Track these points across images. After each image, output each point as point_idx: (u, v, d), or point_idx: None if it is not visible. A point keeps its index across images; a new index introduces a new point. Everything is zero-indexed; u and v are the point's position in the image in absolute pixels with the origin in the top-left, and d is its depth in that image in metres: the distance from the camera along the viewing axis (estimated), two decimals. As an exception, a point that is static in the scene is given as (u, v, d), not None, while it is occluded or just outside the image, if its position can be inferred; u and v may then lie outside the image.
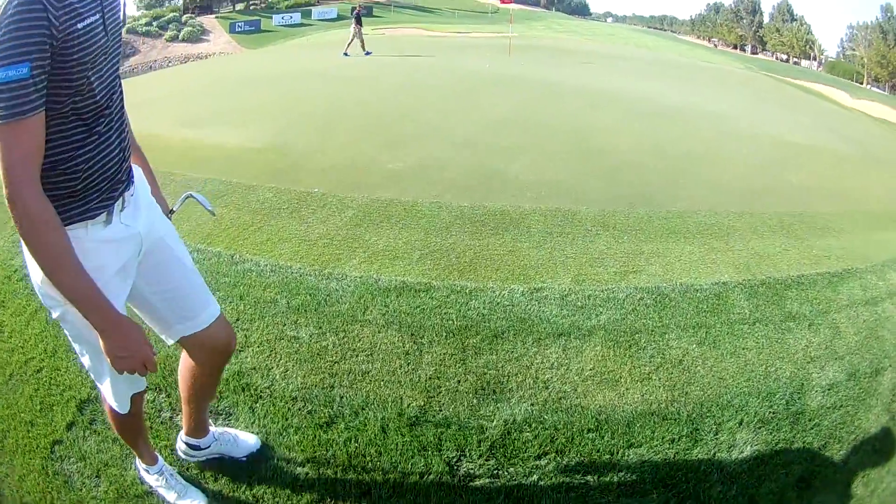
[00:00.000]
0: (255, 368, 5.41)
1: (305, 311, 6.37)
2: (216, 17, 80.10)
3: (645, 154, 14.47)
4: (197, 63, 56.67)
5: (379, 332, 6.08)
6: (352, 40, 33.49)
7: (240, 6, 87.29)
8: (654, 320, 6.85)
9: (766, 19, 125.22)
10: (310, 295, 6.66)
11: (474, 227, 8.80)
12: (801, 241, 9.90)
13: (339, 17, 78.25)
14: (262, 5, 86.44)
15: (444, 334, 6.14)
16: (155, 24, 75.97)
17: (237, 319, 6.19)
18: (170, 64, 65.57)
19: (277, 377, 5.29)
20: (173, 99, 20.83)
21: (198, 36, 73.28)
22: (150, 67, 65.57)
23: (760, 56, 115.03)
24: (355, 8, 35.24)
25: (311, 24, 76.69)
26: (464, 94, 21.25)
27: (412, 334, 6.08)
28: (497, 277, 7.40)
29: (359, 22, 33.77)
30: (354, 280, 7.01)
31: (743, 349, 6.51)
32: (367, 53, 33.41)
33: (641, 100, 23.60)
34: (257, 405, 4.99)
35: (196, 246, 7.72)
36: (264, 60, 37.91)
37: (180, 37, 72.80)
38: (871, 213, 12.67)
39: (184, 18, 76.85)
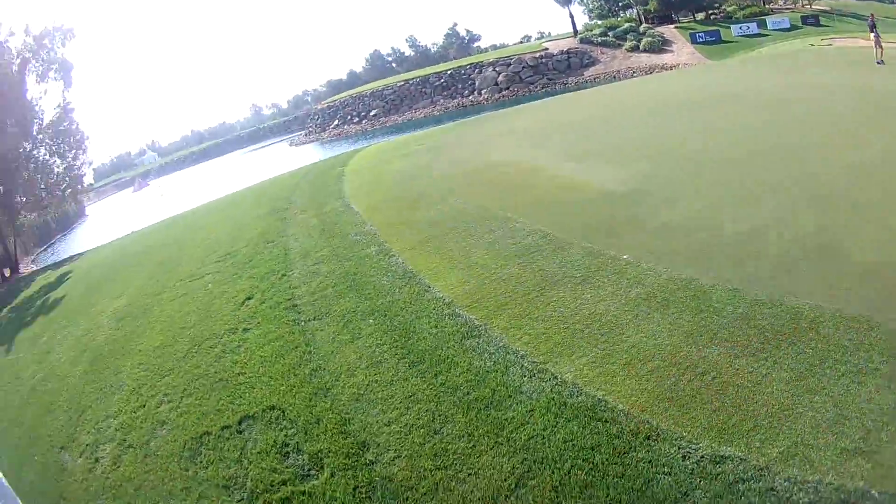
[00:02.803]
0: None
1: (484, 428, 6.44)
2: (676, 28, 79.66)
3: None
4: (656, 76, 57.04)
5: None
6: (877, 48, 31.56)
7: (699, 16, 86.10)
8: None
9: None
10: (511, 397, 6.68)
11: (746, 338, 6.94)
12: None
13: (792, 27, 73.75)
14: (721, 15, 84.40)
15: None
16: (611, 34, 77.82)
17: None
18: (634, 74, 66.61)
19: None
20: (587, 126, 22.13)
21: (659, 46, 73.46)
22: (614, 77, 67.48)
23: None
24: (869, 17, 33.51)
25: (766, 35, 72.94)
26: (864, 122, 16.13)
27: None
28: (698, 426, 5.86)
29: (873, 29, 31.87)
30: (540, 391, 6.70)
31: None
32: (879, 63, 30.68)
33: None
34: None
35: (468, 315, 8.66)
36: (711, 77, 37.08)
37: (641, 47, 73.60)
38: None
39: (641, 29, 77.63)
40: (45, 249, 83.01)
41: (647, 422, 5.89)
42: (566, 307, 8.24)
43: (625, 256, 9.28)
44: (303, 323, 10.32)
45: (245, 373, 9.41)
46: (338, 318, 10.07)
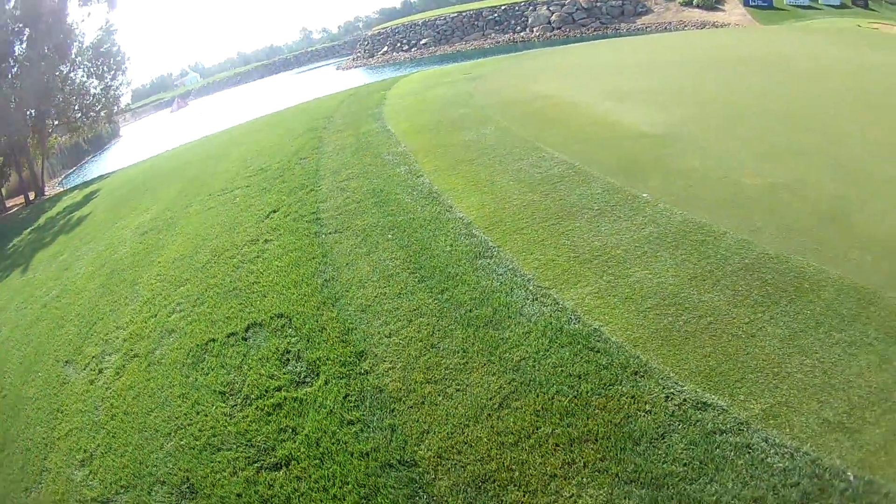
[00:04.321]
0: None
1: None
2: (729, -12, 78.93)
3: None
4: (707, 32, 56.31)
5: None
6: None
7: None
8: None
9: None
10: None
11: (748, 288, 6.85)
12: None
13: (842, 6, 72.79)
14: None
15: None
16: (678, -13, 77.25)
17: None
18: (685, 28, 66.31)
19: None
20: (634, 70, 22.08)
21: (712, 4, 72.74)
22: (665, 28, 67.37)
23: None
24: None
25: (818, 8, 71.90)
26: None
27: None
28: (687, 368, 5.81)
29: None
30: (540, 315, 6.84)
31: None
32: None
33: None
34: None
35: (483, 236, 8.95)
36: (760, 39, 36.34)
37: (694, 2, 72.86)
38: None
39: (698, -16, 76.88)
40: (74, 171, 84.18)
41: (638, 357, 5.96)
42: (579, 238, 8.38)
43: (644, 195, 9.38)
44: (323, 235, 10.59)
45: (259, 282, 9.67)
46: (358, 232, 10.34)
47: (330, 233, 10.64)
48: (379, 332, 7.28)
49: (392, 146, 15.34)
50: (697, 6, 72.20)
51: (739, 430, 5.17)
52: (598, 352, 6.12)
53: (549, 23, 77.94)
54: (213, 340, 8.45)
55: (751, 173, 10.16)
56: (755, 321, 6.33)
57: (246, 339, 8.17)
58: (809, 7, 71.86)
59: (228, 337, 8.38)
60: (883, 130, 12.75)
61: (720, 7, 72.04)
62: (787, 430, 5.24)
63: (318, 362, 7.10)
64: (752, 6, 71.15)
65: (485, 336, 6.71)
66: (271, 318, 8.45)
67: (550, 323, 6.64)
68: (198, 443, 6.63)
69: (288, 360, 7.38)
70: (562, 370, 5.97)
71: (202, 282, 10.57)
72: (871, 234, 8.15)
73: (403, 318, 7.44)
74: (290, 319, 8.22)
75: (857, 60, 24.78)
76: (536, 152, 12.24)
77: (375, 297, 8.10)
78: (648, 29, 68.30)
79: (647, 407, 5.41)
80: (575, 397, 5.64)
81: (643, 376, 5.74)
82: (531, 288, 7.42)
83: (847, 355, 6.06)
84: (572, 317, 6.69)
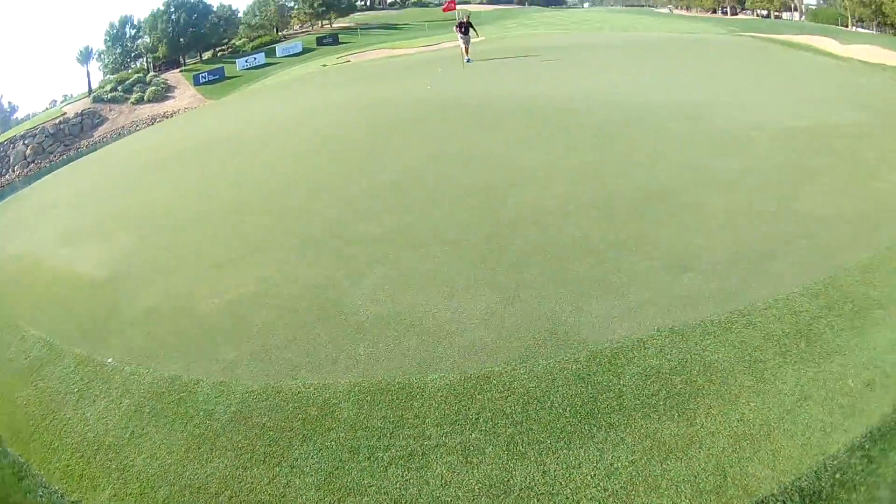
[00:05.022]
0: None
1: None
2: (181, 72, 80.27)
3: (588, 216, 10.49)
4: (152, 128, 56.60)
5: None
6: (466, 48, 35.12)
7: (207, 55, 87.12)
8: None
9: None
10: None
11: (249, 441, 6.45)
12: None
13: (305, 50, 77.71)
14: (228, 51, 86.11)
15: None
16: (120, 88, 76.03)
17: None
18: (137, 128, 65.07)
19: None
20: (84, 198, 21.33)
21: (163, 94, 73.16)
22: (119, 134, 65.34)
23: (741, 16, 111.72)
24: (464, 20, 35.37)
25: (276, 62, 75.43)
26: (368, 146, 17.22)
27: None
28: None
29: (463, 31, 34.89)
30: None
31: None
32: (468, 61, 34.84)
33: (604, 103, 18.17)
34: None
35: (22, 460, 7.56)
36: (206, 119, 38.21)
37: (145, 98, 72.60)
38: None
39: (148, 78, 76.85)
40: None
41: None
42: (75, 432, 7.57)
43: (109, 360, 8.74)
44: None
45: None
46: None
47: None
48: None
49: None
50: (148, 101, 72.11)
51: None
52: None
53: (26, 158, 73.18)
54: None
55: (207, 292, 9.87)
56: (277, 478, 5.93)
57: None
58: (267, 64, 75.14)
59: None
60: (349, 184, 13.72)
61: (170, 95, 73.20)
62: None
63: None
64: (203, 83, 72.54)
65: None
66: None
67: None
68: None
69: None
70: None
71: None
72: (357, 319, 8.24)
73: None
74: None
75: (312, 104, 27.83)
76: (17, 331, 10.87)
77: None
78: (105, 140, 66.39)
79: None
80: None
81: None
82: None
83: (406, 471, 5.71)
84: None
